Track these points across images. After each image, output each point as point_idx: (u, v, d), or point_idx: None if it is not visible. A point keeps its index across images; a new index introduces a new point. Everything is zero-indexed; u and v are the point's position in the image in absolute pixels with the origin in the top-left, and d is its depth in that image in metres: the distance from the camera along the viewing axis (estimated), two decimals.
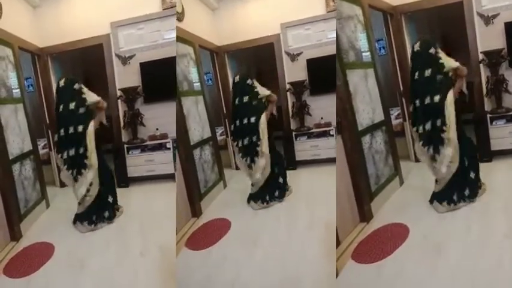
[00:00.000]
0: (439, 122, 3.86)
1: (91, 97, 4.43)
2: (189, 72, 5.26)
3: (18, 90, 5.03)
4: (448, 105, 3.82)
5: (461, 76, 3.95)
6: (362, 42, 4.50)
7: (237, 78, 4.90)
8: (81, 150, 4.34)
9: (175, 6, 5.32)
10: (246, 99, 4.77)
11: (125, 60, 5.75)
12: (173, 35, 5.20)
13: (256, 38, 6.15)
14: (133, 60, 5.73)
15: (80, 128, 4.33)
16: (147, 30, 5.66)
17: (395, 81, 5.60)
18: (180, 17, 5.35)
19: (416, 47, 4.00)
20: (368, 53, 4.56)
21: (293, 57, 6.05)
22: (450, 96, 3.84)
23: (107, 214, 4.50)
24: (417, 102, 3.96)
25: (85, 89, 4.44)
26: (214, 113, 5.95)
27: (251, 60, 7.22)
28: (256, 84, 4.87)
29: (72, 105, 4.35)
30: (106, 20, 5.70)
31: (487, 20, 5.00)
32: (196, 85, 5.40)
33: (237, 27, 6.29)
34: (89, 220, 4.43)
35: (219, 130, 6.42)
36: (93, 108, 4.44)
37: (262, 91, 4.85)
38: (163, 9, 5.50)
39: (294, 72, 6.01)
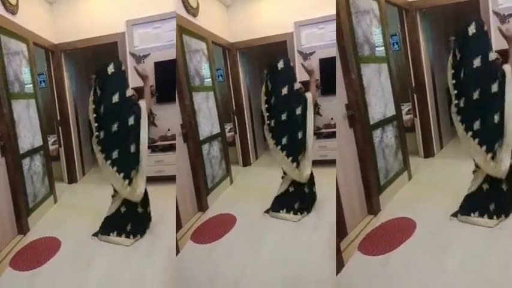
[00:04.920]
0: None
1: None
2: (201, 67, 5.25)
3: (31, 85, 5.06)
4: None
5: None
6: (377, 37, 4.46)
7: (281, 63, 4.41)
8: (133, 149, 3.91)
9: (193, 6, 5.34)
10: (296, 86, 4.41)
11: (139, 59, 5.73)
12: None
13: (269, 36, 6.12)
14: (148, 59, 5.71)
15: (132, 121, 3.90)
16: (163, 29, 5.63)
17: (408, 77, 5.56)
18: (194, 12, 5.34)
19: (471, 29, 3.48)
20: (382, 48, 4.52)
21: (305, 56, 6.00)
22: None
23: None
24: (475, 93, 3.48)
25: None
26: (223, 110, 5.92)
27: (263, 58, 7.20)
28: None
29: (128, 93, 3.95)
30: (122, 18, 5.69)
31: (503, 18, 4.90)
32: (207, 81, 5.39)
33: (250, 25, 6.28)
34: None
35: (228, 126, 6.37)
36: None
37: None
38: None
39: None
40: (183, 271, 3.62)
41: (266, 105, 4.43)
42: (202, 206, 4.73)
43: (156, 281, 3.49)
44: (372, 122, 4.16)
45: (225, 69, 6.53)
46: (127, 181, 3.93)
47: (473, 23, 3.49)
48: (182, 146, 4.67)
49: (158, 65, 5.66)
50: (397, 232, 3.65)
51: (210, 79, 5.46)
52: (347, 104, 3.96)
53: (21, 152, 4.65)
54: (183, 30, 4.86)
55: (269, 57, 7.08)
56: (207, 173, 5.01)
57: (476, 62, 3.46)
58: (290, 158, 4.34)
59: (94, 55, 6.85)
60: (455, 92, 3.58)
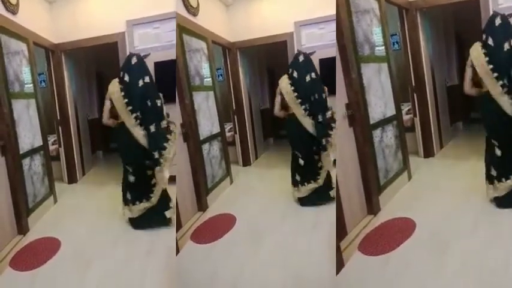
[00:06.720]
0: None
1: None
2: (201, 67, 5.25)
3: (31, 85, 5.05)
4: None
5: None
6: (377, 37, 4.45)
7: (302, 56, 4.61)
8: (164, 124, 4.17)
9: (193, 5, 5.33)
10: (313, 75, 4.58)
11: None
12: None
13: (269, 36, 6.11)
14: (148, 59, 5.67)
15: (159, 103, 4.18)
16: (163, 29, 5.60)
17: (408, 77, 5.55)
18: (194, 12, 5.33)
19: (498, 20, 3.71)
20: (382, 48, 4.51)
21: None
22: None
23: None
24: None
25: None
26: (223, 109, 5.91)
27: (263, 58, 7.20)
28: None
29: (147, 79, 4.15)
30: (122, 18, 5.66)
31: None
32: (207, 80, 5.38)
33: (251, 24, 6.28)
34: None
35: (228, 126, 6.37)
36: None
37: None
38: None
39: None
40: (183, 271, 3.62)
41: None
42: (202, 206, 4.73)
43: (155, 281, 3.48)
44: (371, 122, 4.15)
45: (225, 68, 6.52)
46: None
47: (499, 16, 3.73)
48: (182, 145, 4.66)
49: (158, 65, 5.63)
50: (397, 232, 3.64)
51: (210, 78, 5.45)
52: (347, 103, 3.95)
53: (21, 152, 4.63)
54: (183, 29, 4.85)
55: (269, 57, 7.09)
56: (207, 173, 5.01)
57: (506, 46, 3.64)
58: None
59: (94, 55, 6.84)
60: (496, 74, 3.65)
